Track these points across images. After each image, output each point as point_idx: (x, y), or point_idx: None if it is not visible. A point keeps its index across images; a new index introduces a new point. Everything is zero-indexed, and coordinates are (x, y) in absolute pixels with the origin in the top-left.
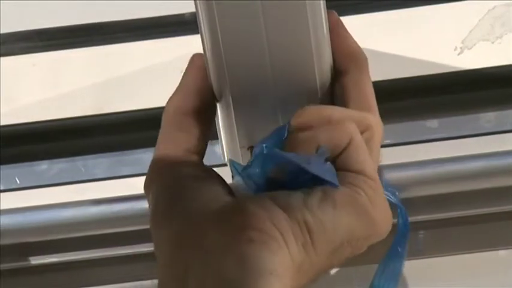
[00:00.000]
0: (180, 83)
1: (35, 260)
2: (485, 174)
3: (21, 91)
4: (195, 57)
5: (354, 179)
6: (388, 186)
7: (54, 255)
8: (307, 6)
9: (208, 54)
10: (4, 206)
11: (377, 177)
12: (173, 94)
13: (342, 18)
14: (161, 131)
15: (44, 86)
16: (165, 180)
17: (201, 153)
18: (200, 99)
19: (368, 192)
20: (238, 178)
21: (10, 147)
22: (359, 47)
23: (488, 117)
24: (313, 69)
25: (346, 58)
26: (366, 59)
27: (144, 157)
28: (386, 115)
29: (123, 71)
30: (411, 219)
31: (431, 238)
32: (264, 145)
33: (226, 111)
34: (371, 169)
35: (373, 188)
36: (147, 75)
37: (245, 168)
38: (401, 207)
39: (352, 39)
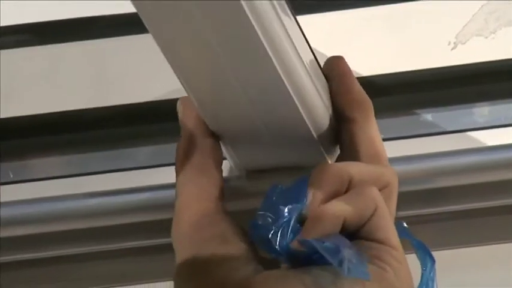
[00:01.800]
0: (182, 129)
1: (31, 254)
2: (479, 169)
3: (17, 85)
4: (184, 101)
5: (379, 251)
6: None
7: (50, 247)
8: (272, 56)
9: (196, 105)
10: None
11: (400, 245)
12: (180, 140)
13: (336, 12)
14: (181, 175)
15: (40, 80)
16: (192, 239)
17: (223, 194)
18: (209, 139)
19: (394, 265)
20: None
21: (5, 140)
22: (365, 94)
23: (482, 112)
24: (297, 111)
25: (353, 106)
26: (371, 106)
27: (139, 151)
28: (380, 110)
29: (120, 65)
30: (403, 213)
31: (424, 232)
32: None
33: (225, 148)
34: (395, 237)
35: (399, 260)
36: (144, 69)
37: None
38: (431, 259)
39: (358, 86)
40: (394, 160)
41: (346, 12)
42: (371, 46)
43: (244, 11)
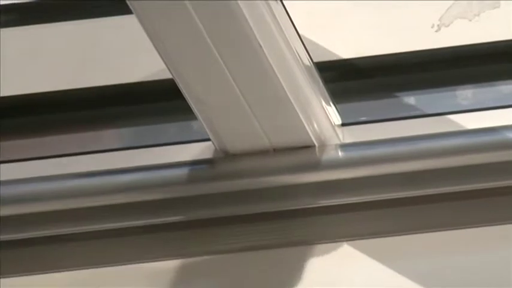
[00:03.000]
0: None
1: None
2: (462, 152)
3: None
4: None
5: None
6: None
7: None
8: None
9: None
10: None
11: None
12: None
13: None
14: None
15: (24, 60)
16: None
17: None
18: None
19: None
20: None
21: None
22: None
23: (466, 95)
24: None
25: None
26: None
27: (123, 132)
28: (364, 92)
29: (104, 45)
30: (389, 195)
31: (408, 215)
32: None
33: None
34: None
35: None
36: (129, 50)
37: None
38: None
39: None
40: (377, 143)
41: None
42: (356, 28)
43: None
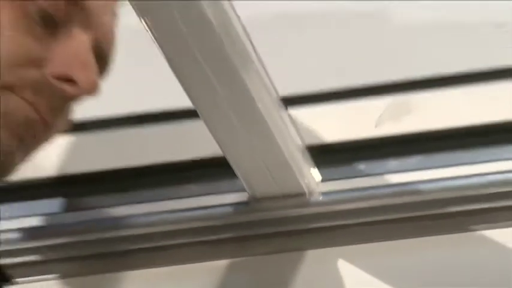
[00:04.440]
0: None
1: None
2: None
3: None
4: None
5: None
6: None
7: None
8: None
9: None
10: None
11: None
12: None
13: None
14: None
15: None
16: None
17: None
18: None
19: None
20: None
21: None
22: None
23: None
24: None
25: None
26: None
27: (190, 188)
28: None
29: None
30: (357, 221)
31: (375, 231)
32: None
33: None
34: None
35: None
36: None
37: None
38: None
39: None
40: (341, 190)
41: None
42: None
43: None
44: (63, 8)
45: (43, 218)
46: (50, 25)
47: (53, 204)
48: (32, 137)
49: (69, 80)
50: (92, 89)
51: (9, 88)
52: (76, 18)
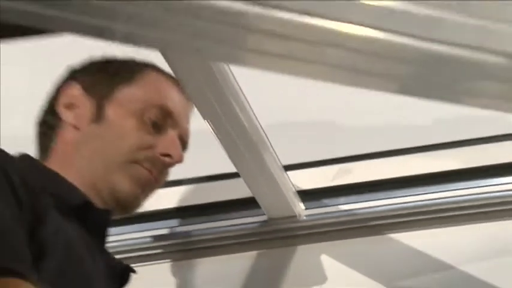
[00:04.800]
0: None
1: None
2: None
3: None
4: None
5: None
6: None
7: None
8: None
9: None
10: None
11: None
12: None
13: None
14: None
15: None
16: None
17: None
18: None
19: None
20: None
21: None
22: None
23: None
24: None
25: None
26: None
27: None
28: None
29: None
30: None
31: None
32: None
33: None
34: None
35: None
36: None
37: None
38: None
39: None
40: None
41: None
42: None
43: None
44: (162, 119)
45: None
46: (156, 126)
47: (163, 224)
48: (149, 189)
49: (168, 155)
50: (180, 160)
51: (137, 162)
52: (169, 123)
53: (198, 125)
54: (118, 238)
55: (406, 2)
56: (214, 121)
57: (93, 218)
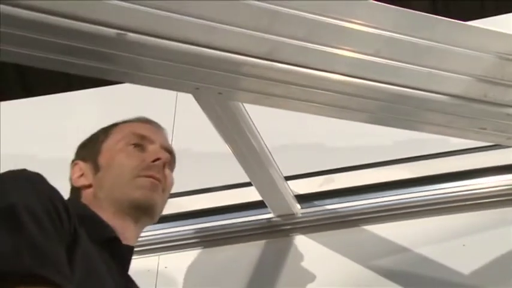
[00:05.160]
0: None
1: None
2: None
3: None
4: None
5: None
6: None
7: None
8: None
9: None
10: None
11: None
12: None
13: None
14: None
15: None
16: None
17: None
18: None
19: None
20: None
21: None
22: None
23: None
24: None
25: None
26: None
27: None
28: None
29: None
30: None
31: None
32: None
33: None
34: None
35: None
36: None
37: None
38: None
39: None
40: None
41: None
42: None
43: None
44: (140, 140)
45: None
46: (139, 147)
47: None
48: (158, 190)
49: (157, 159)
50: (168, 159)
51: (138, 176)
52: (148, 142)
53: (221, 148)
54: (164, 232)
55: (373, 57)
56: (233, 145)
57: (119, 250)
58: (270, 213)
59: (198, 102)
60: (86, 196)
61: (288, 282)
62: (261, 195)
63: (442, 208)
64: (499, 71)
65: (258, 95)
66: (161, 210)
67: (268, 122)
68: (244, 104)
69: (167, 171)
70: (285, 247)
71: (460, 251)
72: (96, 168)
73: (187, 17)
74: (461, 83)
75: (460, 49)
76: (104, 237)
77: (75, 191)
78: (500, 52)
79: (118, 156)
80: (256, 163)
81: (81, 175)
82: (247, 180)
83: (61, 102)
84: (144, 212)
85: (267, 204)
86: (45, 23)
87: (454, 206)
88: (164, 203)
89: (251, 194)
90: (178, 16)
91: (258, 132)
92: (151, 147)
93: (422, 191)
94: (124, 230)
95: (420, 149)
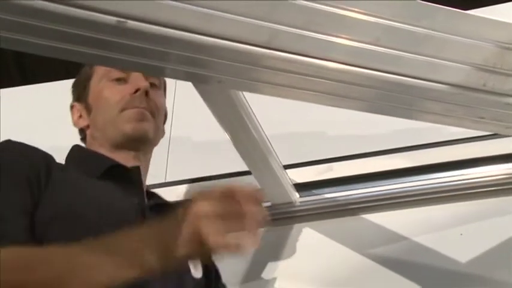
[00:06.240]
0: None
1: None
2: None
3: None
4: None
5: None
6: None
7: None
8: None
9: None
10: None
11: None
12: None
13: None
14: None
15: None
16: None
17: None
18: None
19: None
20: None
21: None
22: None
23: None
24: None
25: None
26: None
27: None
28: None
29: None
30: (323, 210)
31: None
32: None
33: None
34: None
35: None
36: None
37: None
38: None
39: None
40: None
41: None
42: None
43: None
44: (120, 74)
45: None
46: (120, 80)
47: None
48: (146, 118)
49: (138, 89)
50: (147, 87)
51: (124, 109)
52: (127, 76)
53: (220, 136)
54: None
55: (373, 45)
56: (232, 133)
57: (124, 174)
58: (268, 201)
59: (197, 90)
60: (88, 137)
61: (286, 271)
62: (260, 183)
63: (440, 197)
64: (499, 60)
65: (257, 83)
66: (158, 134)
67: (267, 110)
68: (244, 93)
69: (152, 95)
70: (283, 235)
71: (458, 239)
72: (89, 109)
73: (187, 5)
74: (460, 72)
75: (459, 38)
76: (104, 168)
77: (81, 132)
78: (500, 41)
79: (102, 94)
80: (255, 151)
81: (80, 116)
82: (246, 168)
83: (60, 90)
84: (139, 141)
85: (268, 196)
86: (44, 10)
87: (452, 195)
88: (159, 126)
89: (250, 183)
90: (178, 4)
91: (257, 121)
92: (132, 78)
93: (420, 180)
94: (127, 160)
95: (419, 138)
